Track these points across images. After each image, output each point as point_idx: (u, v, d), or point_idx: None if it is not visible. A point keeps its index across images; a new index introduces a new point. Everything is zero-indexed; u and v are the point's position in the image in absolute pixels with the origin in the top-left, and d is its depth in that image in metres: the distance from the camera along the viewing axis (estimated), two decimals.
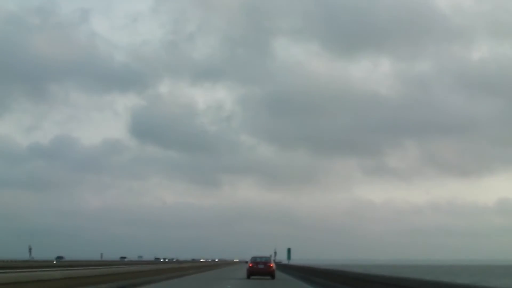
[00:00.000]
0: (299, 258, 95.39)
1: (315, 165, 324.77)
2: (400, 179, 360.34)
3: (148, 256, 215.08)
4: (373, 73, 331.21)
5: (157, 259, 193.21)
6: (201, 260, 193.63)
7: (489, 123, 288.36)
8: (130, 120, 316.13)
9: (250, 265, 46.64)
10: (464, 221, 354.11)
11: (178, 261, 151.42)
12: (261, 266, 46.08)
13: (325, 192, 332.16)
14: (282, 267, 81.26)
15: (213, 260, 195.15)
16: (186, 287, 34.52)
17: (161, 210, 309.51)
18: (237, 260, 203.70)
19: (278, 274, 54.78)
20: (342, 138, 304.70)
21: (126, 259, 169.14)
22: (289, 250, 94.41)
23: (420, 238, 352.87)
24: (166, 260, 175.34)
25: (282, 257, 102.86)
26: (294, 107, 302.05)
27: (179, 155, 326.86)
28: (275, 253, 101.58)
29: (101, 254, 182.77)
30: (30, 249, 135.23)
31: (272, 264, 47.04)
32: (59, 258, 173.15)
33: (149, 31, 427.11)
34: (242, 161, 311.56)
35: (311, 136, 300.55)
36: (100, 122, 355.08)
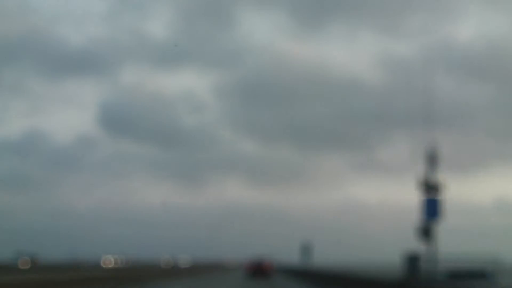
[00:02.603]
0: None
1: (302, 161, 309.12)
2: (393, 175, 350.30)
3: None
4: (351, 51, 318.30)
5: None
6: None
7: (484, 112, 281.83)
8: (98, 111, 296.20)
9: (250, 264, 50.73)
10: (460, 220, 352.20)
11: None
12: (259, 265, 50.16)
13: (315, 190, 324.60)
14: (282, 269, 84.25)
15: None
16: None
17: (141, 208, 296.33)
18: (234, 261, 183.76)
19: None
20: (327, 130, 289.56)
21: None
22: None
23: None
24: None
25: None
26: (268, 95, 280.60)
27: (154, 150, 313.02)
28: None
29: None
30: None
31: (269, 264, 51.17)
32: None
33: None
34: (223, 157, 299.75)
35: (293, 128, 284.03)
36: (66, 114, 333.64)
